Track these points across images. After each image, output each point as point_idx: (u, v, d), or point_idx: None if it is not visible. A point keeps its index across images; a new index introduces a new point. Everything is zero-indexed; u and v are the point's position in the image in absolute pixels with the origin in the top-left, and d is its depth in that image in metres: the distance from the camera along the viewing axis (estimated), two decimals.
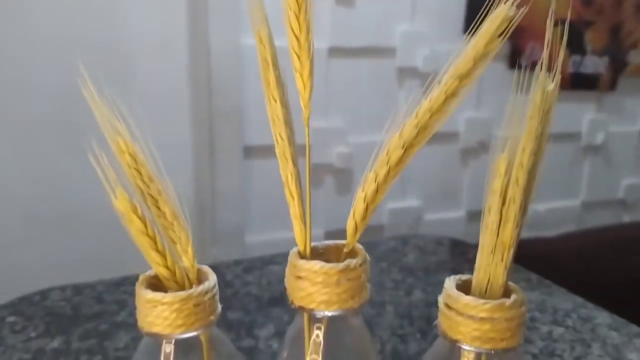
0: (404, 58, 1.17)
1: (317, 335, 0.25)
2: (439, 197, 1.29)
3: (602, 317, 0.51)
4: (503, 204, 0.25)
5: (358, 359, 0.27)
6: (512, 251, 0.25)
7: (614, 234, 1.43)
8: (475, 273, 0.26)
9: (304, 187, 0.25)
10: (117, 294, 0.55)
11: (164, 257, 0.26)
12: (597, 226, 1.44)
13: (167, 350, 0.26)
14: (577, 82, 1.37)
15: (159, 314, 0.25)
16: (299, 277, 0.24)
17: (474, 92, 1.27)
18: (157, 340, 0.26)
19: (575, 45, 1.36)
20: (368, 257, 0.25)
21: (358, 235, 0.25)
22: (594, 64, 1.41)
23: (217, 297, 0.27)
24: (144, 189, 0.26)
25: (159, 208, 0.26)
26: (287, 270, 0.25)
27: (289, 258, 0.25)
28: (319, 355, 0.25)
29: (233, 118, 1.09)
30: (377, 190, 0.25)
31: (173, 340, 0.26)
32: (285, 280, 0.26)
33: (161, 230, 0.27)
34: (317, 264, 0.24)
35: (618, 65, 1.44)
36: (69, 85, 0.79)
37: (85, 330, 0.48)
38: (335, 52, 1.10)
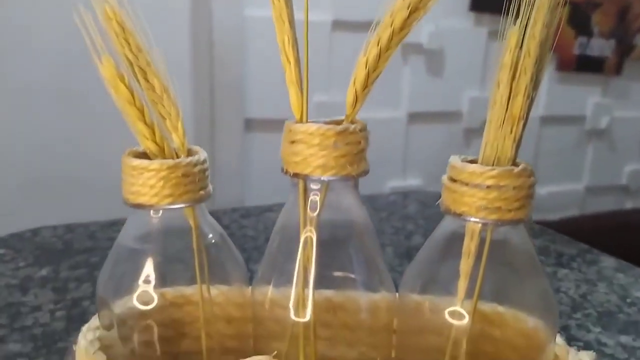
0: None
1: (313, 201, 0.23)
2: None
3: (608, 261, 0.49)
4: (513, 78, 0.24)
5: (357, 239, 0.26)
6: (522, 124, 0.23)
7: (616, 219, 1.41)
8: (481, 150, 0.24)
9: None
10: (110, 233, 0.54)
11: (152, 130, 0.25)
12: (600, 211, 1.42)
13: (154, 222, 0.25)
14: (582, 65, 1.36)
15: (145, 182, 0.23)
16: (294, 142, 0.23)
17: (478, 72, 1.26)
18: (143, 216, 0.25)
19: (582, 27, 1.35)
20: (367, 126, 0.24)
21: (359, 107, 0.24)
22: (600, 46, 1.39)
23: (208, 174, 0.25)
24: (133, 60, 0.25)
25: (147, 80, 0.25)
26: (282, 139, 0.24)
27: (284, 126, 0.24)
28: (313, 233, 0.24)
29: (235, 90, 1.07)
30: (379, 56, 0.23)
31: (160, 212, 0.24)
32: (280, 151, 0.24)
33: (150, 106, 0.25)
34: (313, 126, 0.22)
35: (625, 49, 1.42)
36: (69, 53, 0.78)
37: (75, 262, 0.47)
38: (339, 25, 1.08)
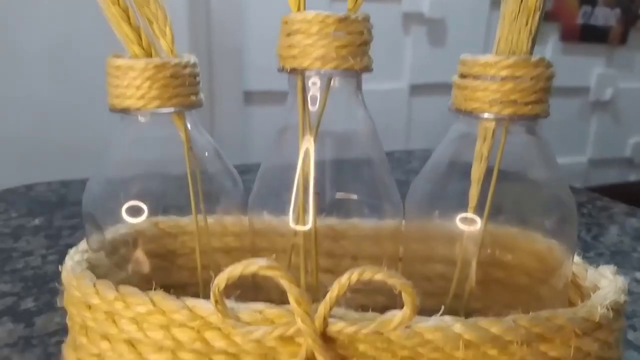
0: (410, 3, 1.12)
1: (313, 97, 0.21)
2: None
3: (619, 207, 0.48)
4: None
5: (362, 149, 0.24)
6: (538, 15, 0.21)
7: (620, 192, 1.40)
8: (494, 46, 0.22)
9: None
10: None
11: (138, 34, 0.23)
12: (603, 184, 1.41)
13: (143, 131, 0.23)
14: (586, 34, 1.33)
15: (130, 83, 0.22)
16: (291, 34, 0.21)
17: (480, 41, 1.23)
18: (131, 124, 0.23)
19: None
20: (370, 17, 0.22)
21: (361, 1, 0.22)
22: (605, 15, 1.36)
23: (199, 80, 0.24)
24: None
25: None
26: (279, 34, 0.22)
27: (280, 20, 0.22)
28: (313, 136, 0.22)
29: (233, 62, 1.05)
30: None
31: (148, 118, 0.23)
32: (276, 49, 0.22)
33: (136, 8, 0.23)
34: (311, 13, 0.20)
35: (630, 18, 1.39)
36: (69, 29, 0.76)
37: (69, 212, 0.45)
38: None
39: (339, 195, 0.26)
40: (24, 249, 0.39)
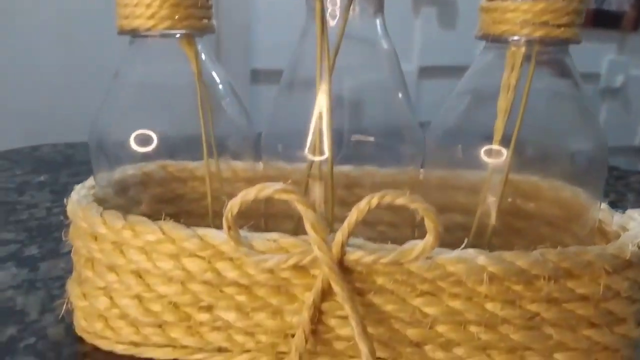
0: None
1: (332, 14, 0.20)
2: None
3: (635, 177, 0.47)
4: None
5: (383, 74, 0.23)
6: None
7: None
8: None
9: None
10: None
11: None
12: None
13: (154, 55, 0.22)
14: (599, 20, 1.31)
15: (140, 1, 0.20)
16: None
17: None
18: (141, 48, 0.22)
19: None
20: None
21: None
22: (619, 0, 1.34)
23: (211, 4, 0.23)
24: None
25: None
26: None
27: None
28: (332, 61, 0.21)
29: (241, 39, 1.04)
30: None
31: (159, 42, 0.22)
32: None
33: None
34: None
35: None
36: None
37: (76, 170, 0.45)
38: None
39: (355, 137, 0.25)
40: (29, 202, 0.38)
